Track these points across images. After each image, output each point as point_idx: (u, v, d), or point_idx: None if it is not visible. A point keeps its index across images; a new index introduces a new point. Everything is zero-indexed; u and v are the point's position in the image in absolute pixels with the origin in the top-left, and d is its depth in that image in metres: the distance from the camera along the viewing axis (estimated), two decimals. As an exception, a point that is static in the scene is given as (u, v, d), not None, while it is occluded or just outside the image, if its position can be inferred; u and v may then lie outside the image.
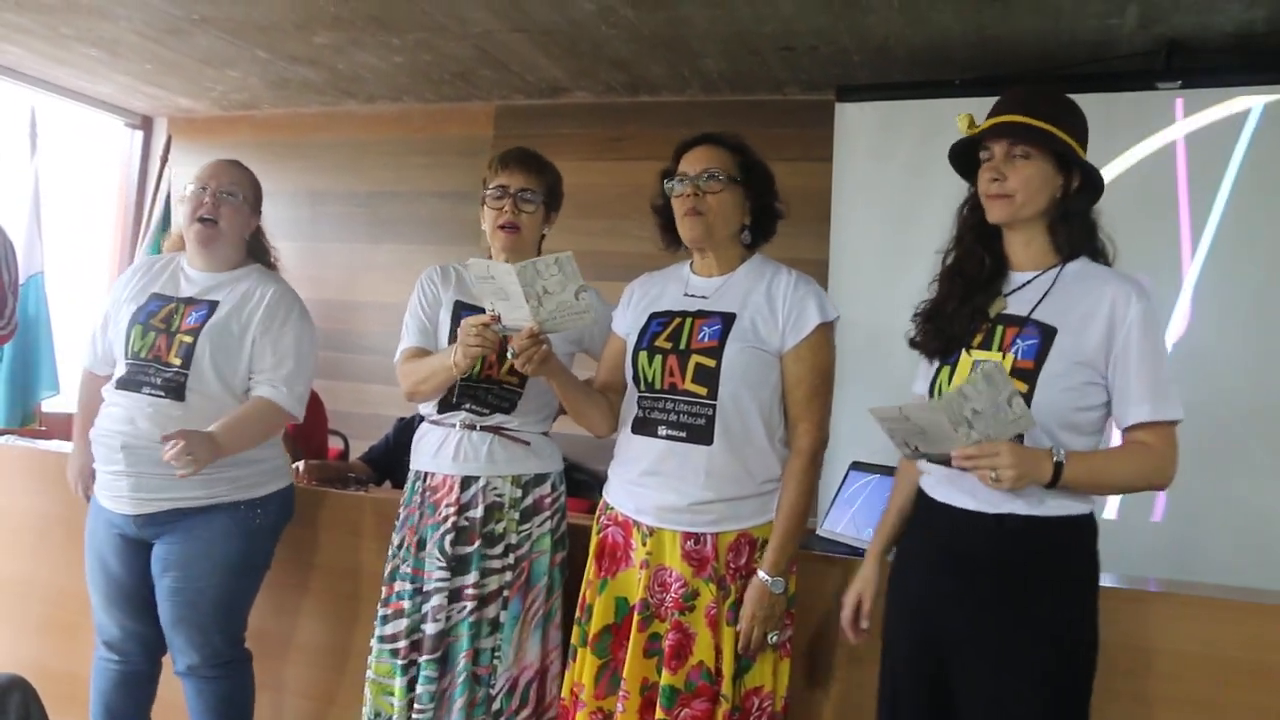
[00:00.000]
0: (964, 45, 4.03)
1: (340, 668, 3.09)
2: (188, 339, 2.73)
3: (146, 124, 6.19)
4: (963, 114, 2.15)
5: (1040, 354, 1.97)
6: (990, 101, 2.15)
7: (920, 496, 2.17)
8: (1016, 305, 2.05)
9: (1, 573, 3.58)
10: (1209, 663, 2.26)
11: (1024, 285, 2.07)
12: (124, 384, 2.77)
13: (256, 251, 2.98)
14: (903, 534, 2.23)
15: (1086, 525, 2.01)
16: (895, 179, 4.30)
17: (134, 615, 2.82)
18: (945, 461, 1.95)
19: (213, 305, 2.79)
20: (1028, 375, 1.95)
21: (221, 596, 2.77)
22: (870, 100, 4.41)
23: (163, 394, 2.71)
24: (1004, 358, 1.98)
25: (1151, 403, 1.94)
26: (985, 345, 2.03)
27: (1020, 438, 1.91)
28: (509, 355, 2.32)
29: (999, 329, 2.04)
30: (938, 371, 2.10)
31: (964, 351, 2.06)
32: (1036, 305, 2.02)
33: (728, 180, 2.36)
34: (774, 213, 2.44)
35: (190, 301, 2.81)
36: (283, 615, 3.18)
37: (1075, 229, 2.07)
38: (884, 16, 3.83)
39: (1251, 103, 3.80)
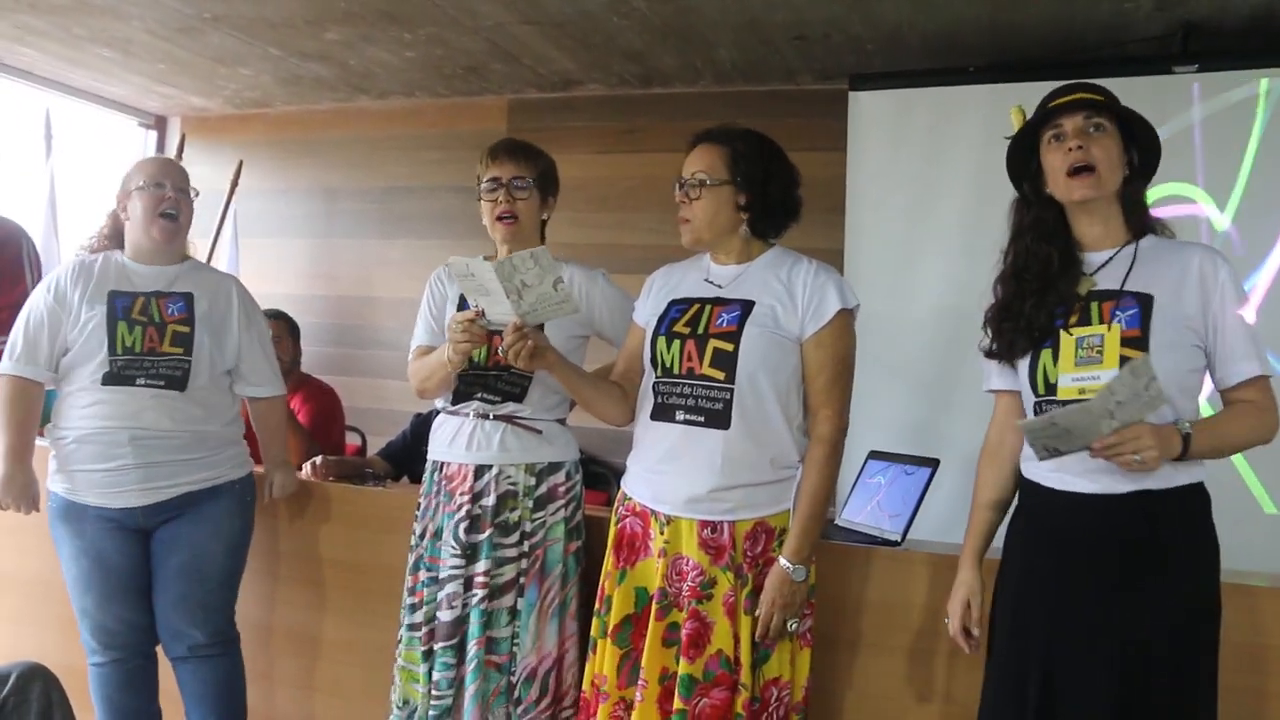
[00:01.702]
0: (977, 31, 4.00)
1: (357, 662, 3.10)
2: (182, 329, 2.83)
3: (160, 124, 6.20)
4: (1015, 107, 2.15)
5: (1144, 322, 1.97)
6: (1004, 88, 2.15)
7: (1028, 486, 2.12)
8: (1104, 281, 2.04)
9: (23, 573, 3.59)
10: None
11: (1106, 263, 2.06)
12: (114, 379, 2.78)
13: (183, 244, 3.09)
14: (994, 531, 2.22)
15: (1204, 492, 2.01)
16: (910, 167, 4.28)
17: (133, 607, 2.85)
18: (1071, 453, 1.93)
19: (186, 297, 2.88)
20: (1138, 343, 1.95)
21: (225, 573, 2.90)
22: (884, 88, 4.37)
23: (162, 384, 2.78)
24: (1109, 329, 1.98)
25: (1257, 359, 1.99)
26: (1084, 322, 2.02)
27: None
28: (500, 351, 2.34)
29: (1094, 305, 2.03)
30: (1035, 359, 2.07)
31: (1063, 332, 2.03)
32: (1126, 276, 2.02)
33: (712, 182, 2.35)
34: (777, 203, 2.41)
35: (159, 295, 2.87)
36: (306, 611, 3.19)
37: (1141, 208, 2.11)
38: (896, 4, 3.80)
39: (1270, 85, 3.76)
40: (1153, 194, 3.79)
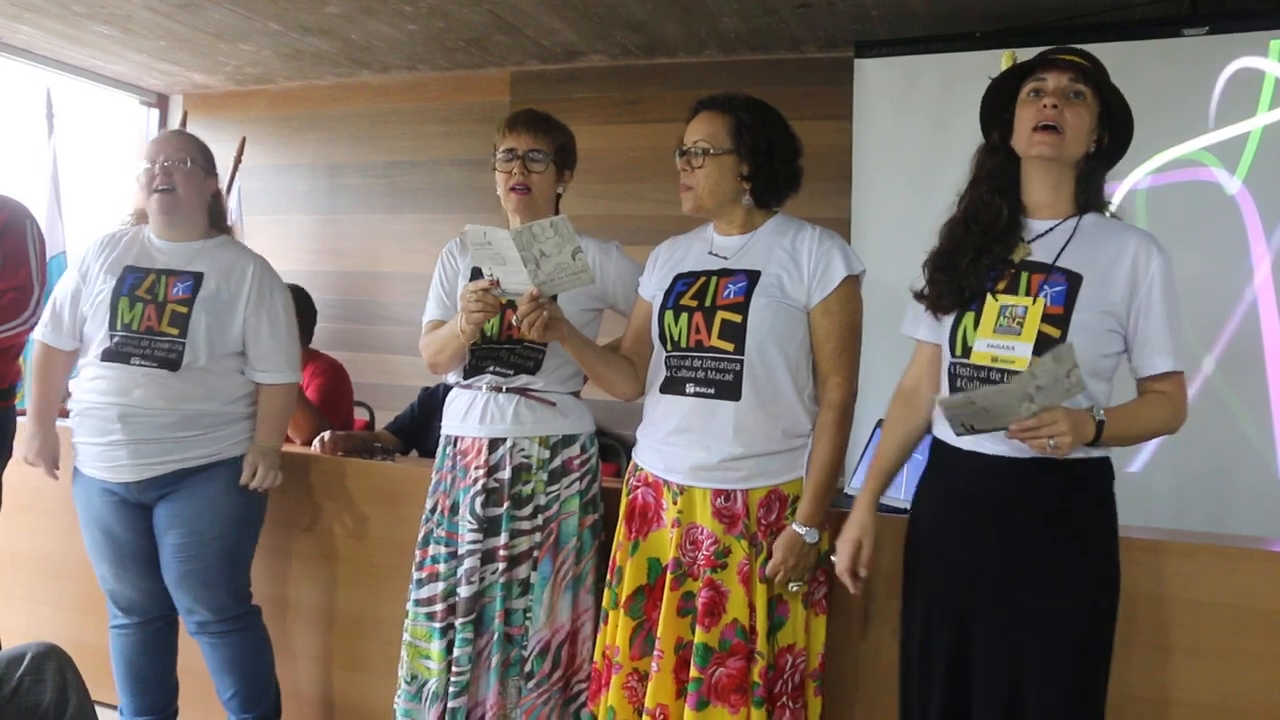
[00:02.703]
0: (983, -4, 3.97)
1: (371, 635, 3.12)
2: (180, 309, 2.80)
3: (162, 102, 6.17)
4: (1007, 53, 2.15)
5: (1068, 300, 1.99)
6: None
7: (938, 446, 2.17)
8: (1039, 251, 2.06)
9: (35, 551, 3.62)
10: (1226, 611, 2.26)
11: (1045, 233, 2.08)
12: (112, 355, 2.79)
13: (216, 214, 3.02)
14: (894, 475, 2.28)
15: (1110, 465, 2.06)
16: (916, 134, 4.25)
17: (147, 575, 2.88)
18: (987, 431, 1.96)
19: (197, 276, 2.85)
20: (1058, 320, 1.98)
21: (225, 549, 2.85)
22: (889, 55, 4.34)
23: (155, 364, 2.77)
24: (1033, 303, 2.00)
25: (1174, 354, 2.01)
26: (1012, 290, 2.04)
27: None
28: (514, 322, 2.33)
29: (1024, 275, 2.04)
30: (959, 318, 2.09)
31: (990, 296, 2.05)
32: (1060, 252, 2.03)
33: (715, 151, 2.34)
34: (780, 173, 2.40)
35: (171, 272, 2.85)
36: (314, 585, 3.21)
37: (1094, 186, 2.10)
38: (902, -31, 3.77)
39: (1281, 46, 3.73)
40: (1162, 157, 3.81)
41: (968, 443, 2.04)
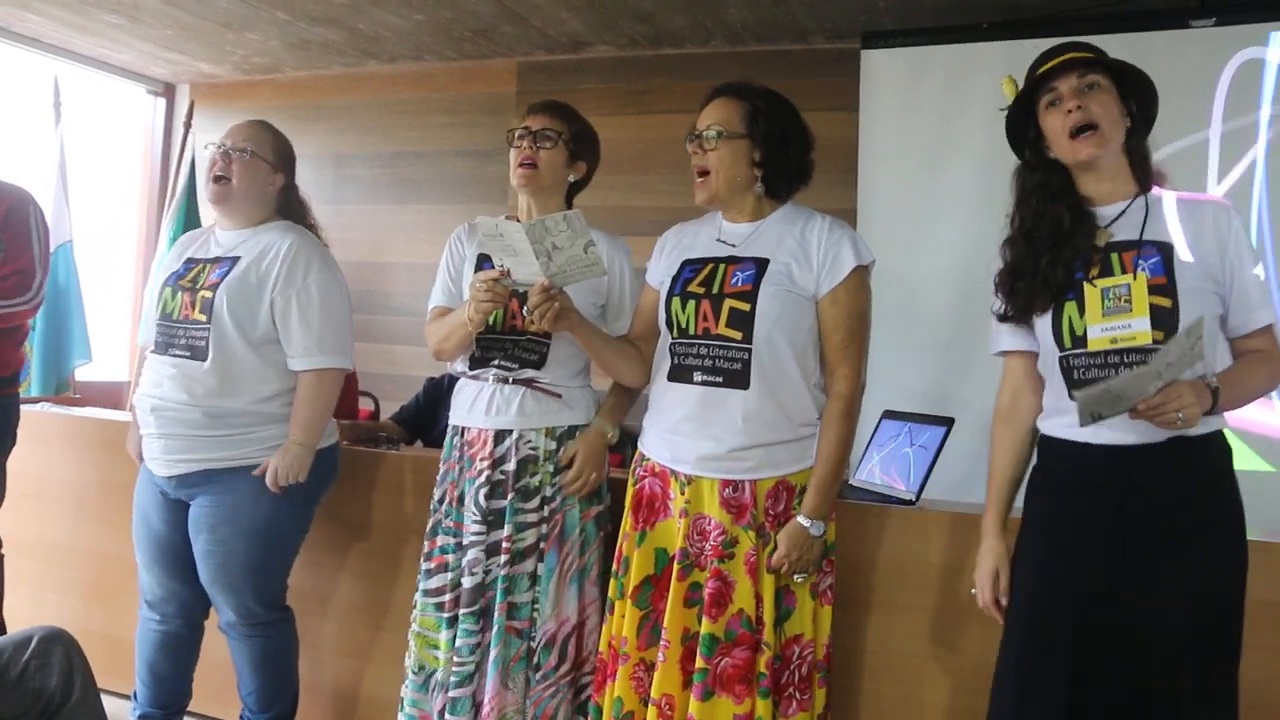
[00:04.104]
0: (991, -13, 3.96)
1: (379, 625, 3.12)
2: (208, 294, 2.73)
3: (169, 91, 6.18)
4: (1006, 79, 2.13)
5: (1168, 269, 1.96)
6: (1018, 44, 2.14)
7: (1053, 444, 2.09)
8: (1121, 232, 2.04)
9: (44, 539, 3.63)
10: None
11: (1119, 215, 2.05)
12: (156, 348, 2.81)
13: (288, 210, 2.96)
14: (1014, 496, 2.19)
15: (1226, 439, 2.02)
16: (923, 126, 4.25)
17: (175, 575, 2.85)
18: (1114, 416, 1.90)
19: (234, 261, 2.79)
20: (1165, 290, 1.95)
21: (251, 561, 2.76)
22: (896, 46, 4.34)
23: (186, 354, 2.73)
24: (1134, 278, 1.97)
25: (1269, 308, 2.00)
26: (1106, 273, 2.01)
27: None
28: (525, 312, 2.32)
29: (1114, 256, 2.01)
30: (1059, 313, 2.04)
31: (1086, 284, 2.02)
32: (1143, 226, 2.01)
33: (728, 134, 2.33)
34: (791, 161, 2.39)
35: (215, 260, 2.82)
36: (321, 574, 3.21)
37: (1146, 158, 2.09)
38: (910, -40, 3.77)
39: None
40: (1170, 149, 3.79)
41: (1090, 435, 1.97)
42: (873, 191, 4.35)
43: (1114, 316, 1.98)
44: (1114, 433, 1.95)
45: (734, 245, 2.39)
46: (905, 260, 4.10)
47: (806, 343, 2.32)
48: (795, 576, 2.28)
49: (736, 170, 2.36)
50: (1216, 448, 2.00)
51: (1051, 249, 2.05)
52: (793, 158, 2.39)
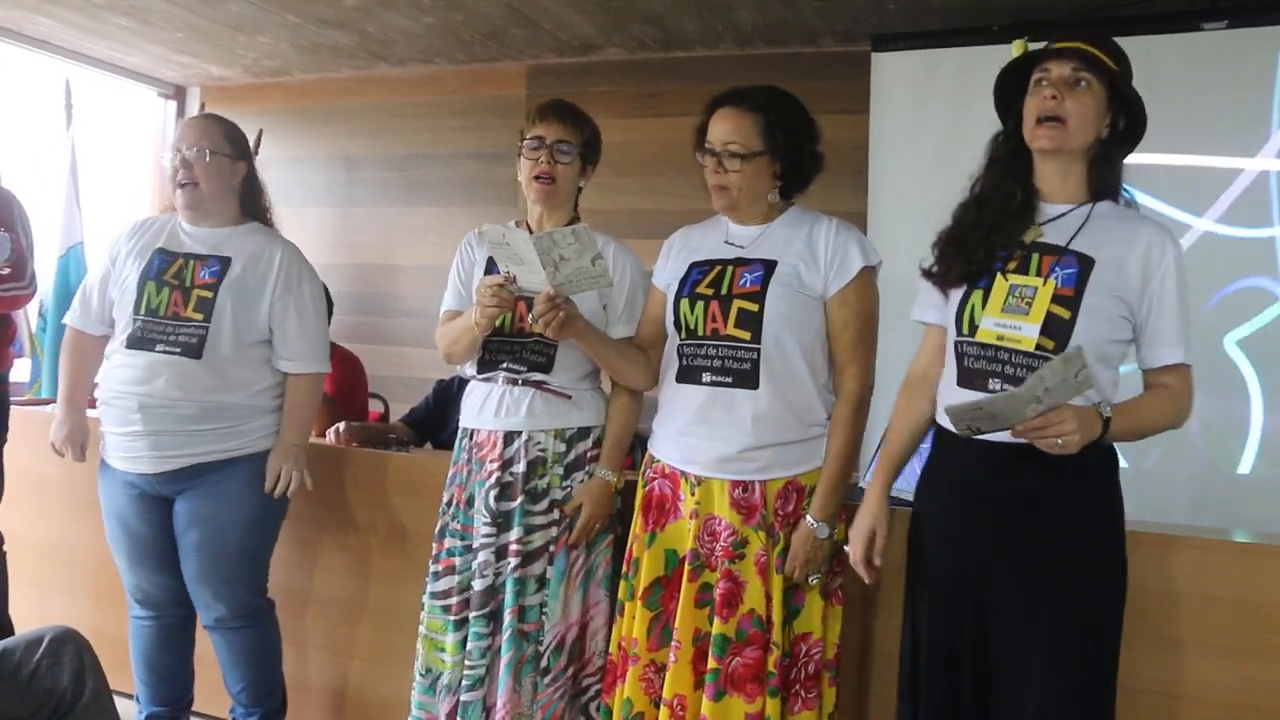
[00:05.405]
0: (1001, -11, 3.95)
1: (387, 628, 3.12)
2: (206, 294, 2.75)
3: (179, 94, 6.19)
4: (1019, 40, 2.14)
5: (1079, 283, 1.97)
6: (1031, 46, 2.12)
7: (940, 435, 2.15)
8: (1052, 235, 2.05)
9: (48, 539, 3.63)
10: (1238, 606, 2.23)
11: (1058, 216, 2.06)
12: (135, 343, 2.77)
13: (250, 204, 2.97)
14: (903, 465, 2.25)
15: (1114, 450, 2.05)
16: (933, 128, 4.24)
17: (163, 570, 2.87)
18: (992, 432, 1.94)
19: (224, 261, 2.81)
20: (1068, 302, 1.97)
21: (245, 549, 2.83)
22: (906, 49, 4.33)
23: (179, 351, 2.73)
24: (1044, 283, 1.98)
25: (1184, 346, 2.00)
26: (1022, 270, 2.03)
27: None
28: (530, 321, 2.33)
29: (1035, 256, 2.03)
30: (966, 295, 2.08)
31: (1000, 275, 2.04)
32: (1074, 236, 2.02)
33: (748, 154, 2.33)
34: (807, 165, 2.41)
35: (198, 257, 2.82)
36: (330, 576, 3.22)
37: (1109, 172, 2.08)
38: (919, -38, 3.76)
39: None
40: (1185, 158, 3.78)
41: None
42: (883, 194, 4.34)
43: (1010, 315, 2.00)
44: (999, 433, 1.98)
45: (742, 247, 2.40)
46: (916, 263, 4.06)
47: (815, 343, 2.33)
48: (809, 579, 2.29)
49: (758, 184, 2.37)
50: (1104, 454, 2.01)
51: (988, 226, 2.08)
52: (807, 160, 2.41)
